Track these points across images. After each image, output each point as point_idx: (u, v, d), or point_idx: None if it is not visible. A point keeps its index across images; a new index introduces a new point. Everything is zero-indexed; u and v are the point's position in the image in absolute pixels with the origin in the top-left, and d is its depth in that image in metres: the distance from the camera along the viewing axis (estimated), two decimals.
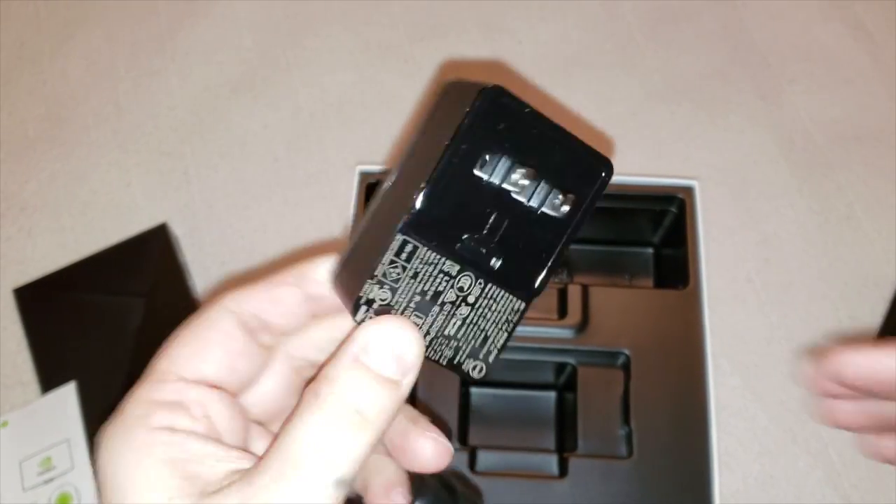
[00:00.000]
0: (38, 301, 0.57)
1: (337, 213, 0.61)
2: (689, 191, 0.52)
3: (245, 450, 0.24)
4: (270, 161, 0.63)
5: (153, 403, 0.23)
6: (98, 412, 0.52)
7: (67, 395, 0.53)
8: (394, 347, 0.23)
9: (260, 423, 0.27)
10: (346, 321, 0.26)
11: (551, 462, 0.48)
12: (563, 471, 0.46)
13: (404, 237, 0.23)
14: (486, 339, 0.25)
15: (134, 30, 0.69)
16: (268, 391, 0.27)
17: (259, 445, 0.26)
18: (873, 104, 0.65)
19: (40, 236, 0.61)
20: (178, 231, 0.60)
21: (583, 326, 0.49)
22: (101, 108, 0.66)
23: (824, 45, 0.68)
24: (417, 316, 0.24)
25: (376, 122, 0.65)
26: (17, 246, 0.60)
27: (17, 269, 0.59)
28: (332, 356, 0.23)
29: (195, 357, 0.24)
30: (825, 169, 0.62)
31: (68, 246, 0.60)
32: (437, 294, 0.24)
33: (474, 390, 0.53)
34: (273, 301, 0.26)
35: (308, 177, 0.63)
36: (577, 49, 0.68)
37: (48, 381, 0.54)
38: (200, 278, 0.59)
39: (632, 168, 0.62)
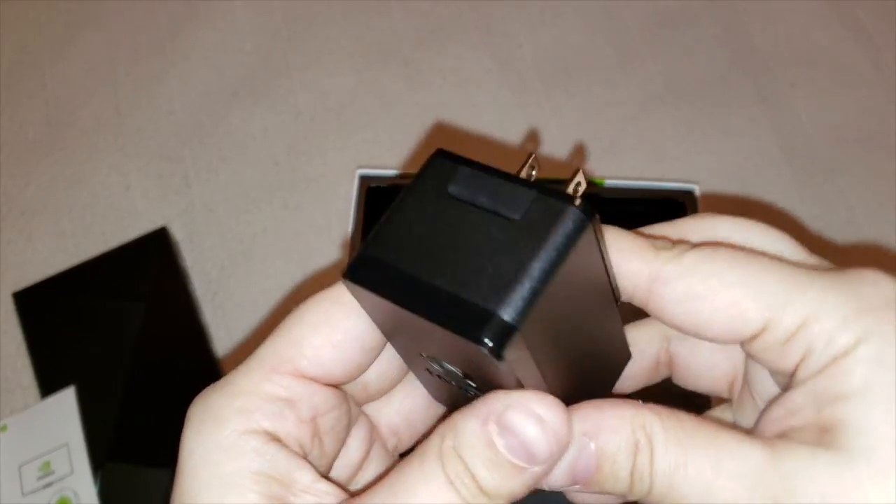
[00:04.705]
0: (37, 305, 0.57)
1: (337, 218, 0.61)
2: (689, 195, 0.52)
3: (337, 483, 0.22)
4: (271, 165, 0.63)
5: (259, 396, 0.21)
6: (97, 416, 0.52)
7: (67, 400, 0.53)
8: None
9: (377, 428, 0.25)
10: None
11: None
12: None
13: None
14: None
15: (134, 33, 0.69)
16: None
17: (375, 460, 0.25)
18: (874, 108, 0.64)
19: (40, 240, 0.61)
20: (178, 235, 0.60)
21: None
22: (101, 111, 0.66)
23: (825, 48, 0.67)
24: None
25: (376, 126, 0.64)
26: (16, 249, 0.60)
27: (16, 272, 0.59)
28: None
29: (323, 351, 0.21)
30: (826, 173, 0.62)
31: (68, 250, 0.60)
32: None
33: None
34: None
35: (308, 181, 0.62)
36: (577, 53, 0.68)
37: (47, 385, 0.54)
38: (200, 282, 0.59)
39: (632, 172, 0.61)
